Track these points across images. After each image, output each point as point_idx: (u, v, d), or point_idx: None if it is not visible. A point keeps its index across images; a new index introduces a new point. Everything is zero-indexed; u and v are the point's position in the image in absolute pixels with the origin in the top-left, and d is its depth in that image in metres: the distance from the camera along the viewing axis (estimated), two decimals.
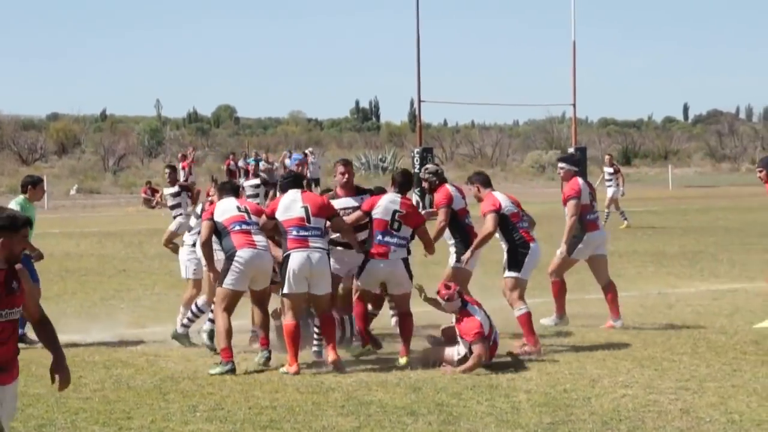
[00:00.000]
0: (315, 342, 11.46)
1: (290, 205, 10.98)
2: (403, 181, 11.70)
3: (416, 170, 37.20)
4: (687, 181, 57.40)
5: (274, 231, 11.20)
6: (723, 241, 24.07)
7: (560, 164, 13.63)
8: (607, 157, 35.35)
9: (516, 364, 10.74)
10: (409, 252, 11.52)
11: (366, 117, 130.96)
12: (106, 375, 10.54)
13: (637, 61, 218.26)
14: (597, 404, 9.08)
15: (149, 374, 10.52)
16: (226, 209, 11.24)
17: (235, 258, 10.89)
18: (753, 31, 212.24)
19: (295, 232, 10.81)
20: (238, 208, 11.29)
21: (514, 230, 11.97)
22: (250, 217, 11.23)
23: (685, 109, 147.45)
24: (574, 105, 40.77)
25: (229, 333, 10.86)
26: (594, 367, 10.63)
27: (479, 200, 12.25)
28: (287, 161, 42.96)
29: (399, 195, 11.50)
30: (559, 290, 13.17)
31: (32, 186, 13.48)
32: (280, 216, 10.97)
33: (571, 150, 40.29)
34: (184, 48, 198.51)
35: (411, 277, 11.33)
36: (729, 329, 12.74)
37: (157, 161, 75.50)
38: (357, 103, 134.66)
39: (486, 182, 12.34)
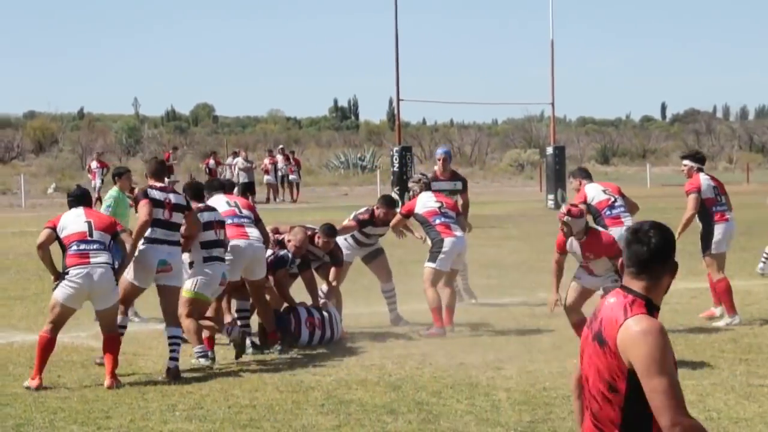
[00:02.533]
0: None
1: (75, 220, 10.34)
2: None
3: (395, 168, 37.32)
4: (665, 179, 57.49)
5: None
6: None
7: (684, 161, 14.11)
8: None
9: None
10: None
11: (345, 116, 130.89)
12: (84, 374, 10.51)
13: (615, 60, 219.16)
14: None
15: (128, 373, 10.49)
16: (217, 206, 11.46)
17: (229, 250, 11.19)
18: (731, 30, 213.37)
19: (75, 247, 10.08)
20: (228, 203, 11.67)
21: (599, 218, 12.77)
22: (241, 211, 11.60)
23: (663, 108, 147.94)
24: (553, 104, 40.77)
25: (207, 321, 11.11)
26: (573, 366, 10.63)
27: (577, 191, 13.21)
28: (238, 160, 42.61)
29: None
30: (726, 289, 13.15)
31: (118, 177, 14.09)
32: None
33: (549, 149, 40.30)
34: (162, 46, 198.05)
35: None
36: (707, 327, 12.80)
37: (136, 160, 75.22)
38: (336, 101, 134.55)
39: (588, 176, 13.44)
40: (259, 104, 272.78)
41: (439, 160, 15.47)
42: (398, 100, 38.24)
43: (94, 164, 41.52)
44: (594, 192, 13.01)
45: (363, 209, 13.63)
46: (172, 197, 10.79)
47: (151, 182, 10.94)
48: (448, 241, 12.77)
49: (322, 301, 12.48)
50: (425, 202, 13.18)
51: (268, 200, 43.49)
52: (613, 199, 12.96)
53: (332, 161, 68.76)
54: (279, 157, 44.52)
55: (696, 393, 9.37)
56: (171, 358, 10.36)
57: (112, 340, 10.19)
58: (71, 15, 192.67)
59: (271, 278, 12.06)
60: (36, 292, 16.43)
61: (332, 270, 13.00)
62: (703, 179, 13.38)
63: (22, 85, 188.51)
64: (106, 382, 9.93)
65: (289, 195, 44.40)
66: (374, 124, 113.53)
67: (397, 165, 37.14)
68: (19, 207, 42.21)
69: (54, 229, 10.34)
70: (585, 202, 12.73)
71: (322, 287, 12.94)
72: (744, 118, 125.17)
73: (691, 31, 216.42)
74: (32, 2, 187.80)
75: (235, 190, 12.97)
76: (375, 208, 13.45)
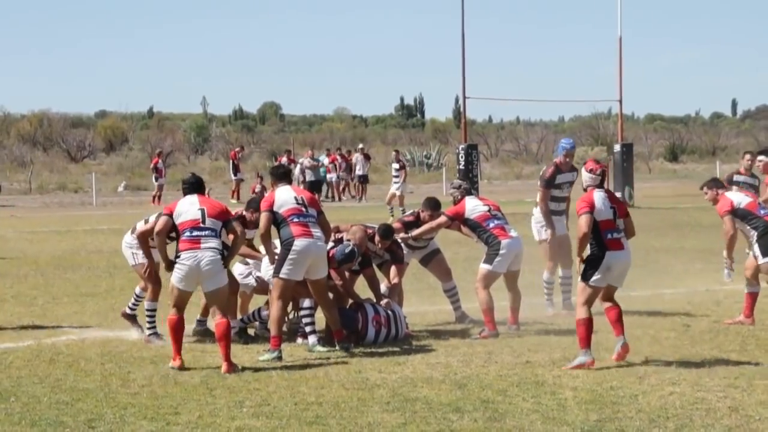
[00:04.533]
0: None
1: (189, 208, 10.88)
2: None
3: (461, 167, 37.28)
4: None
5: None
6: None
7: (759, 157, 14.35)
8: (393, 153, 36.46)
9: None
10: None
11: (411, 114, 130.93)
12: (153, 371, 10.60)
13: (685, 57, 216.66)
14: (644, 401, 9.03)
15: (196, 370, 10.58)
16: (285, 198, 11.41)
17: (294, 248, 11.13)
18: None
19: (188, 233, 10.68)
20: (296, 198, 11.46)
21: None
22: (307, 209, 11.43)
23: (734, 104, 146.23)
24: (621, 101, 40.41)
25: (281, 321, 11.20)
26: (641, 364, 10.56)
27: (714, 203, 13.22)
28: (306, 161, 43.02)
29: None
30: None
31: None
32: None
33: (617, 146, 40.00)
34: (230, 45, 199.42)
35: None
36: None
37: (204, 158, 75.99)
38: (402, 99, 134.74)
39: (721, 186, 13.48)
40: (326, 102, 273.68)
41: (566, 154, 14.28)
42: (464, 97, 38.20)
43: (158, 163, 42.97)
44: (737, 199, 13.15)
45: (409, 212, 13.62)
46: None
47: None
48: (504, 243, 12.67)
49: (384, 300, 12.48)
50: (474, 207, 13.04)
51: (333, 198, 43.82)
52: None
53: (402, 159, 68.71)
54: (357, 155, 44.87)
55: (767, 393, 9.24)
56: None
57: (222, 326, 10.53)
58: (141, 16, 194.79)
59: (334, 273, 12.06)
60: (107, 289, 16.63)
61: (393, 268, 12.99)
62: None
63: (94, 85, 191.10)
64: (223, 367, 10.39)
65: (356, 192, 44.78)
66: (440, 122, 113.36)
67: (463, 163, 37.11)
68: (91, 205, 42.79)
69: (171, 215, 10.87)
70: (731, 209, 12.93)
71: (384, 285, 12.95)
72: None
73: (762, 28, 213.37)
74: (103, 4, 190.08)
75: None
76: (420, 210, 13.39)
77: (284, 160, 45.13)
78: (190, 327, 12.35)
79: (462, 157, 37.23)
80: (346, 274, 12.34)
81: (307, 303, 11.87)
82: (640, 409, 8.77)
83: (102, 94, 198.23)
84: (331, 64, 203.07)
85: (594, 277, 10.74)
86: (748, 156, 16.66)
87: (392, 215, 30.16)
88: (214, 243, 10.65)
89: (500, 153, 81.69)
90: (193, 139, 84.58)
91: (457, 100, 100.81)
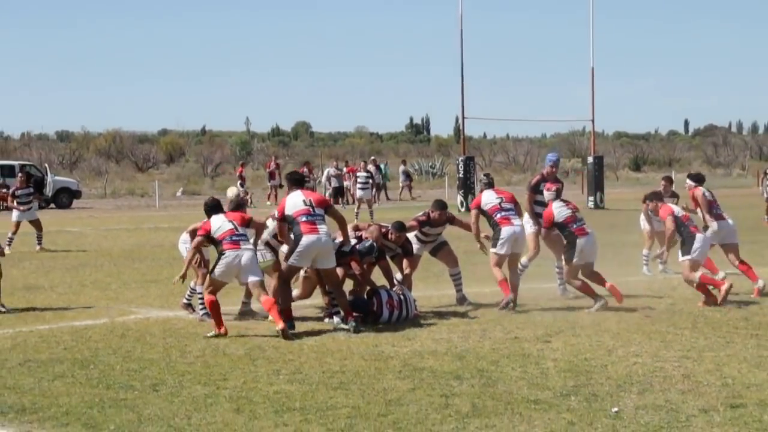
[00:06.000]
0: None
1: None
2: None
3: (460, 175, 37.20)
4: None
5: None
6: None
7: (687, 181, 14.84)
8: (362, 162, 36.36)
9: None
10: None
11: (419, 131, 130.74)
12: (206, 344, 10.61)
13: (646, 83, 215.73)
14: (612, 370, 9.00)
15: (241, 344, 10.59)
16: (295, 202, 11.57)
17: (301, 243, 11.35)
18: (743, 56, 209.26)
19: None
20: (304, 201, 11.58)
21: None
22: (314, 210, 11.53)
23: (686, 123, 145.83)
24: (593, 120, 40.33)
25: (285, 298, 11.51)
26: (610, 339, 10.53)
27: (656, 212, 13.64)
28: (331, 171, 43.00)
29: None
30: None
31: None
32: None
33: (590, 158, 39.89)
34: (268, 74, 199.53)
35: None
36: (723, 308, 12.56)
37: (247, 169, 75.89)
38: (411, 119, 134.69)
39: (660, 198, 14.04)
40: (348, 121, 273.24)
41: (552, 165, 14.23)
42: (463, 117, 38.16)
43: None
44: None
45: (421, 213, 13.61)
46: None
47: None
48: (504, 230, 12.85)
49: (396, 286, 12.48)
50: (488, 200, 13.19)
51: (349, 203, 43.77)
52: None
53: (408, 169, 68.65)
54: (370, 167, 44.66)
55: (714, 363, 9.21)
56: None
57: (268, 302, 11.04)
58: (196, 52, 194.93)
59: (355, 265, 12.07)
60: (167, 277, 16.64)
61: (404, 260, 13.02)
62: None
63: (157, 107, 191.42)
64: (279, 326, 10.84)
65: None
66: (443, 138, 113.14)
67: (462, 172, 37.11)
68: (154, 207, 42.88)
69: (207, 234, 11.39)
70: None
71: (397, 276, 12.96)
72: (755, 131, 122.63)
73: (711, 57, 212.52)
74: (164, 43, 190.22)
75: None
76: (430, 211, 13.38)
77: (305, 170, 45.14)
78: (228, 308, 12.39)
79: (461, 167, 37.18)
80: (365, 265, 12.35)
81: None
82: (609, 377, 8.74)
83: (163, 114, 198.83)
84: (353, 89, 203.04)
85: (574, 259, 12.57)
86: (663, 182, 17.57)
87: (357, 218, 29.07)
88: (248, 245, 11.24)
89: (493, 163, 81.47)
90: (238, 152, 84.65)
91: (457, 120, 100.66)
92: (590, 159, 40.00)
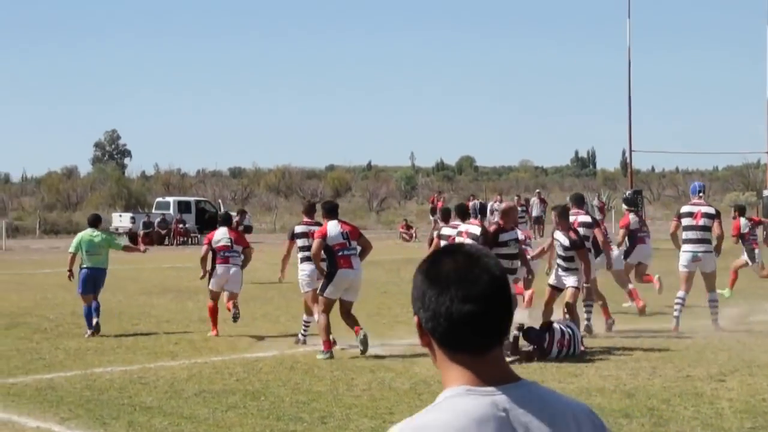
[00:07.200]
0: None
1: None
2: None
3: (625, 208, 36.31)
4: None
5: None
6: None
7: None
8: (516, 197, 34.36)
9: None
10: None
11: (584, 164, 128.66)
12: (372, 377, 10.72)
13: None
14: None
15: (407, 377, 10.63)
16: (332, 232, 12.15)
17: (336, 276, 12.06)
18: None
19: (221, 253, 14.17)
20: (342, 234, 12.18)
21: None
22: (350, 243, 12.18)
23: None
24: None
25: (327, 329, 12.07)
26: None
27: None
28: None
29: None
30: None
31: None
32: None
33: (765, 192, 38.36)
34: (433, 111, 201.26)
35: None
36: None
37: (411, 203, 76.63)
38: (576, 152, 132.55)
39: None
40: (513, 155, 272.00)
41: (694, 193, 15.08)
42: (630, 150, 37.33)
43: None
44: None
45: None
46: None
47: (305, 219, 13.42)
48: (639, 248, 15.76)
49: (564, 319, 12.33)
50: (633, 221, 16.06)
51: None
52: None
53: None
54: (534, 200, 44.27)
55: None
56: None
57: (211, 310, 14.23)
58: (363, 81, 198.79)
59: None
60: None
61: (568, 291, 12.71)
62: None
63: (324, 144, 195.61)
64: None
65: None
66: (609, 172, 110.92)
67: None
68: None
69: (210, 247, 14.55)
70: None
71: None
72: None
73: None
74: (328, 83, 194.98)
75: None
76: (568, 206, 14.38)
77: (471, 202, 45.01)
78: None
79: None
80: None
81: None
82: None
83: (331, 151, 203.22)
84: (517, 122, 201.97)
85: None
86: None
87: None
88: (236, 260, 14.40)
89: (662, 197, 79.35)
90: (402, 186, 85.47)
91: (623, 153, 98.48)
92: (766, 192, 38.42)
